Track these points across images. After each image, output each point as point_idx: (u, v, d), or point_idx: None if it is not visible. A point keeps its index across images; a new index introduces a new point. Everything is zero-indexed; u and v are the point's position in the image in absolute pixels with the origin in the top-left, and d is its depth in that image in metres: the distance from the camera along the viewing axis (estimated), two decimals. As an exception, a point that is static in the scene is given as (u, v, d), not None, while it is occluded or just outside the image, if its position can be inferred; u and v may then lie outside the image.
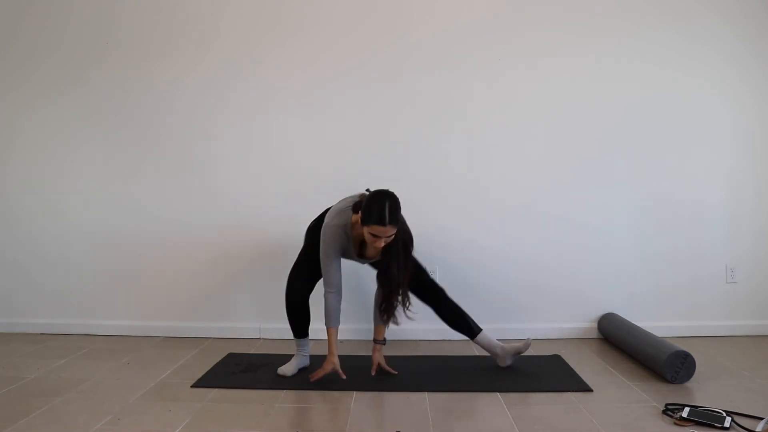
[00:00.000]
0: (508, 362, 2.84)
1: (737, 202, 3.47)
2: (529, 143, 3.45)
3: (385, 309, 2.68)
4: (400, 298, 2.65)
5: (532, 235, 3.44)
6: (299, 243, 3.46)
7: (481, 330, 2.85)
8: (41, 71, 3.58)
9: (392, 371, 2.74)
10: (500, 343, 2.87)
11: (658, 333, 3.03)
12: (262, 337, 3.48)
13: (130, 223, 3.55)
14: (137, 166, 3.55)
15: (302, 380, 2.67)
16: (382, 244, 2.48)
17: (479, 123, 3.45)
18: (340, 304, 2.68)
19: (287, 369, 2.76)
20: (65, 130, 3.57)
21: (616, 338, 3.17)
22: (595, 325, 3.45)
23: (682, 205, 3.46)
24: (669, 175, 3.46)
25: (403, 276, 2.62)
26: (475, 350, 3.09)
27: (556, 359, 2.99)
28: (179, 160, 3.52)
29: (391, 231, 2.45)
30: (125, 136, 3.55)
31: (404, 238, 2.63)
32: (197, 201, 3.52)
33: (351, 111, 3.47)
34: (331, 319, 2.64)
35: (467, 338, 2.88)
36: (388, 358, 2.95)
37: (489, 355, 2.91)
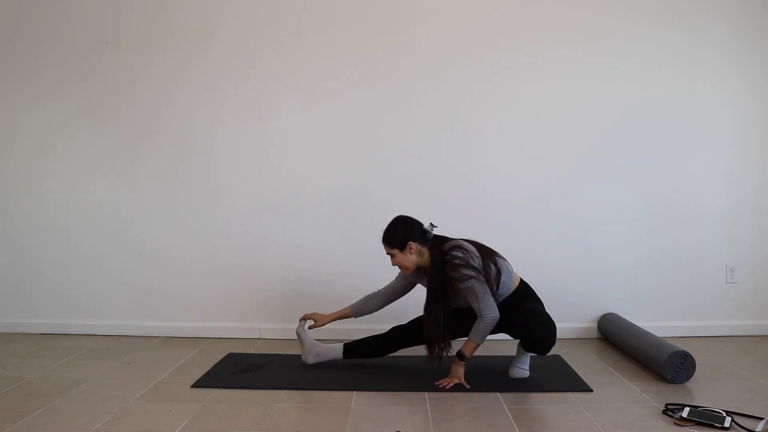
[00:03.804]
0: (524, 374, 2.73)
1: (737, 202, 3.48)
2: (528, 144, 3.45)
3: (425, 340, 2.65)
4: (434, 331, 2.60)
5: (531, 236, 3.44)
6: (297, 242, 3.47)
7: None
8: (40, 71, 3.58)
9: (466, 385, 2.58)
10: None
11: (658, 333, 3.04)
12: (262, 337, 3.48)
13: (129, 223, 3.55)
14: (137, 166, 3.54)
15: (302, 380, 2.67)
16: (392, 263, 2.69)
17: (479, 123, 3.45)
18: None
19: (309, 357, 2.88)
20: (64, 130, 3.57)
21: (616, 338, 3.17)
22: (595, 325, 3.46)
23: (682, 205, 3.46)
24: (669, 175, 3.46)
25: (433, 304, 2.61)
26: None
27: (556, 359, 2.99)
28: (179, 159, 3.52)
29: (387, 249, 2.66)
30: (125, 135, 3.55)
31: (439, 263, 2.59)
32: (196, 200, 3.52)
33: (351, 110, 3.47)
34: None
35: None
36: (391, 358, 2.96)
37: (489, 355, 2.94)
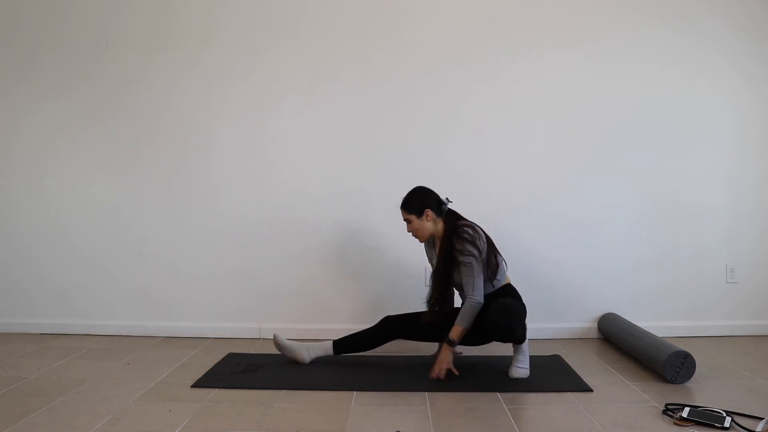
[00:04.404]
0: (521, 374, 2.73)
1: (737, 202, 3.48)
2: (528, 144, 3.45)
3: (429, 301, 2.84)
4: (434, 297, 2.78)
5: (531, 235, 3.44)
6: (297, 241, 3.47)
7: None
8: (40, 71, 3.57)
9: (455, 371, 2.65)
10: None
11: (658, 333, 3.03)
12: (262, 337, 3.47)
13: (129, 223, 3.55)
14: (137, 166, 3.54)
15: (302, 380, 2.67)
16: (408, 229, 2.83)
17: (479, 123, 3.45)
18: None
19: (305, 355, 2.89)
20: (64, 130, 3.57)
21: (616, 338, 3.17)
22: (595, 325, 3.46)
23: (682, 205, 3.46)
24: (669, 175, 3.46)
25: (440, 270, 2.75)
26: (475, 350, 3.09)
27: (556, 359, 2.99)
28: (179, 159, 3.52)
29: (404, 215, 2.81)
30: (125, 135, 3.55)
31: (450, 234, 2.73)
32: (196, 200, 3.52)
33: (351, 111, 3.46)
34: None
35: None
36: (391, 358, 2.96)
37: (489, 355, 2.94)
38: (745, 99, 3.46)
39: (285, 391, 2.54)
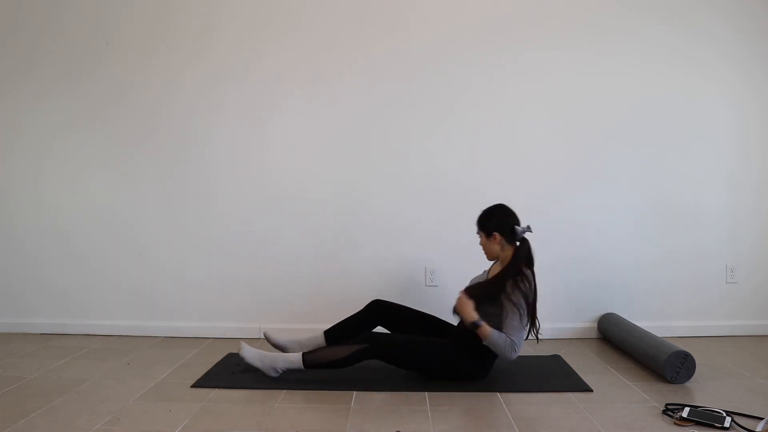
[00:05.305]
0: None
1: (737, 202, 3.48)
2: (528, 144, 3.45)
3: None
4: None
5: (531, 235, 3.42)
6: (298, 242, 3.47)
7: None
8: (40, 71, 3.57)
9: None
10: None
11: (658, 333, 3.03)
12: (262, 337, 3.47)
13: (129, 223, 3.54)
14: (137, 166, 3.54)
15: (302, 380, 2.67)
16: (480, 242, 2.73)
17: (478, 124, 3.44)
18: None
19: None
20: (64, 130, 3.57)
21: (616, 338, 3.17)
22: (595, 325, 3.45)
23: (682, 205, 3.46)
24: (669, 175, 3.46)
25: (482, 285, 2.66)
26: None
27: (556, 359, 2.99)
28: (179, 159, 3.52)
29: (477, 228, 2.72)
30: (125, 135, 3.54)
31: (511, 273, 2.57)
32: (196, 200, 3.51)
33: (351, 111, 3.46)
34: None
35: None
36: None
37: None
38: (745, 99, 3.46)
39: (285, 391, 2.54)
